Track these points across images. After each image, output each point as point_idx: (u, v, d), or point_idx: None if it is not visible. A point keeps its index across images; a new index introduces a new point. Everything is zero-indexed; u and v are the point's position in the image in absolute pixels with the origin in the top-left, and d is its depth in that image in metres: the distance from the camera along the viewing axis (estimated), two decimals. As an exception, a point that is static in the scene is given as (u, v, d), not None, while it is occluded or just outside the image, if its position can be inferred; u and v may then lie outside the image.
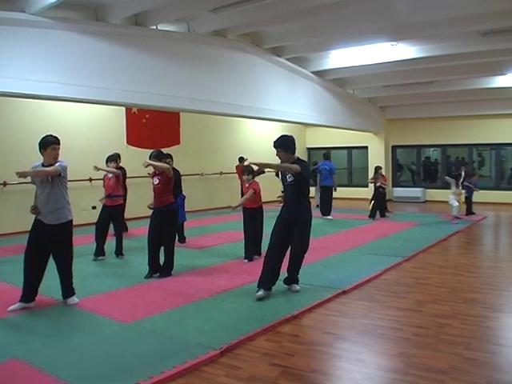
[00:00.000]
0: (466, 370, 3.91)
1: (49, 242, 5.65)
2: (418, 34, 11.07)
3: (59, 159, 5.64)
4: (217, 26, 10.46)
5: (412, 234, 10.95)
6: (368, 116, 18.99)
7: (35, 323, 5.20)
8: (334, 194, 14.30)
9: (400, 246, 9.36)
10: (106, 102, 9.47)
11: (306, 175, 6.21)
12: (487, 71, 14.32)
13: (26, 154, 10.58)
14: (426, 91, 16.58)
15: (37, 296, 5.71)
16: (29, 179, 5.82)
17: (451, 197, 13.02)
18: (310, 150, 22.04)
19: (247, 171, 8.23)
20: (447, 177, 14.16)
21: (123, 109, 13.33)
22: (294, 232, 6.09)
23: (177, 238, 8.47)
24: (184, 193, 9.66)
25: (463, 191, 13.50)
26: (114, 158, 8.75)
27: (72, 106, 11.70)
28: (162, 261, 7.26)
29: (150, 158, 7.11)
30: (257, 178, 8.06)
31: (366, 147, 20.41)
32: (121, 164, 9.28)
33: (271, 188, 14.82)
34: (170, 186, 7.24)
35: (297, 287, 6.25)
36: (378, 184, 13.89)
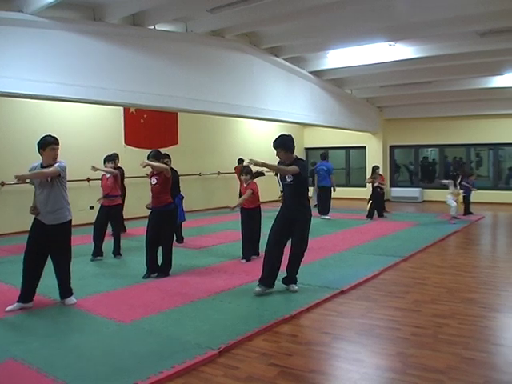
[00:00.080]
0: (464, 370, 3.91)
1: (48, 242, 5.64)
2: (416, 34, 11.08)
3: (58, 159, 5.64)
4: (215, 26, 10.45)
5: (410, 234, 10.96)
6: (366, 116, 19.00)
7: (33, 323, 5.19)
8: (333, 194, 14.31)
9: (398, 246, 9.36)
10: (103, 101, 9.46)
11: (305, 175, 6.27)
12: (485, 71, 14.33)
13: (25, 154, 10.59)
14: (424, 91, 16.60)
15: (35, 296, 5.71)
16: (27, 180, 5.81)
17: (449, 197, 13.04)
18: (307, 150, 22.04)
19: (245, 171, 8.24)
20: (442, 180, 14.18)
21: (121, 109, 13.34)
22: (293, 231, 6.13)
23: (175, 238, 8.46)
24: (182, 193, 9.66)
25: (461, 191, 13.52)
26: (112, 158, 8.74)
27: (70, 106, 11.70)
28: (160, 261, 7.26)
29: (148, 158, 7.10)
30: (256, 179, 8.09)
31: (364, 147, 20.41)
32: (119, 164, 9.27)
33: (269, 188, 14.84)
34: (167, 186, 7.24)
35: (295, 287, 6.25)
36: (375, 184, 13.89)
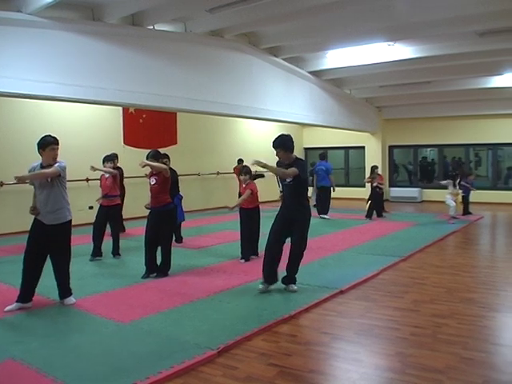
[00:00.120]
0: (463, 370, 3.91)
1: (48, 242, 5.64)
2: (415, 34, 11.09)
3: (58, 159, 5.64)
4: (214, 25, 10.45)
5: (409, 234, 10.96)
6: (365, 116, 19.00)
7: (32, 323, 5.19)
8: (332, 194, 14.32)
9: (397, 246, 9.37)
10: (102, 102, 9.46)
11: (305, 175, 6.29)
12: (484, 71, 14.34)
13: (24, 154, 10.59)
14: (423, 91, 16.60)
15: (34, 296, 5.70)
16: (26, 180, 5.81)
17: (448, 197, 13.05)
18: (307, 149, 22.04)
19: (245, 171, 8.24)
20: (441, 181, 14.18)
21: (120, 109, 13.33)
22: (293, 231, 6.17)
23: (174, 238, 8.46)
24: (181, 193, 9.66)
25: (460, 191, 13.53)
26: (111, 158, 8.73)
27: (69, 106, 11.69)
28: (159, 261, 7.25)
29: (147, 158, 7.10)
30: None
31: (363, 147, 20.41)
32: (118, 164, 9.26)
33: (268, 188, 14.83)
34: (166, 186, 7.24)
35: (294, 287, 6.25)
36: (374, 184, 13.89)
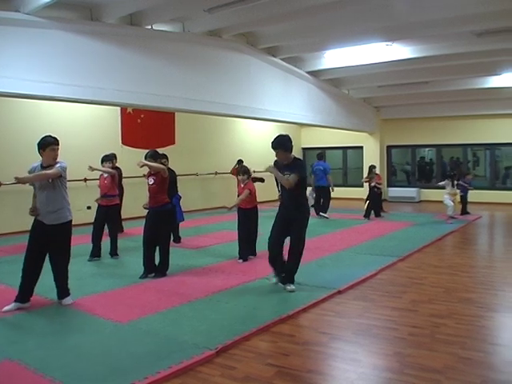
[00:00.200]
0: (461, 370, 3.92)
1: (48, 242, 5.64)
2: (413, 34, 11.09)
3: (58, 159, 5.64)
4: (212, 25, 10.45)
5: (407, 234, 10.97)
6: (363, 116, 19.01)
7: (30, 323, 5.18)
8: (331, 194, 14.33)
9: (395, 246, 9.37)
10: (100, 101, 9.45)
11: (304, 175, 6.32)
12: (482, 71, 14.35)
13: (22, 154, 10.58)
14: (421, 91, 16.61)
15: (32, 296, 5.70)
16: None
17: (446, 197, 13.06)
18: (305, 150, 22.03)
19: (243, 171, 8.24)
20: (439, 182, 14.18)
21: (118, 109, 13.31)
22: (291, 230, 6.22)
23: (172, 238, 8.46)
24: (180, 193, 9.65)
25: (458, 191, 13.54)
26: (109, 158, 8.73)
27: (67, 106, 11.67)
28: (157, 261, 7.25)
29: (145, 158, 7.11)
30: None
31: (361, 147, 20.42)
32: (116, 164, 9.26)
33: (266, 188, 14.80)
34: (165, 186, 7.23)
35: (292, 287, 6.25)
36: (372, 184, 13.89)
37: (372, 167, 14.33)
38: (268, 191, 14.78)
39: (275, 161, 6.35)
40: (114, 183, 8.60)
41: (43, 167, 5.58)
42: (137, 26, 9.52)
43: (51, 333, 4.90)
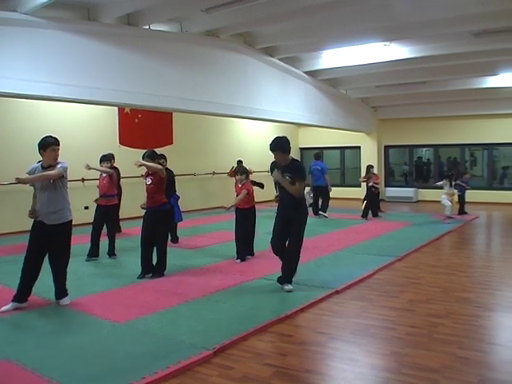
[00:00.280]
0: (459, 369, 3.92)
1: (49, 242, 5.63)
2: (410, 34, 11.09)
3: (58, 160, 5.64)
4: (209, 25, 10.44)
5: (404, 234, 10.98)
6: (360, 116, 19.02)
7: (28, 324, 5.18)
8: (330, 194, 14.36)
9: (393, 246, 9.38)
10: (98, 101, 9.44)
11: (304, 177, 6.38)
12: (479, 71, 14.36)
13: (19, 154, 10.60)
14: (419, 91, 16.61)
15: (29, 296, 5.69)
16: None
17: (444, 197, 13.08)
18: (302, 150, 22.03)
19: (241, 171, 8.24)
20: (437, 183, 14.20)
21: (116, 109, 13.29)
22: (290, 229, 6.24)
23: (169, 238, 8.45)
24: (178, 193, 9.65)
25: (455, 191, 13.56)
26: (107, 158, 8.74)
27: (65, 106, 11.66)
28: (155, 261, 7.24)
29: (143, 158, 7.10)
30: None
31: (359, 147, 20.42)
32: (114, 164, 9.26)
33: (265, 188, 14.79)
34: (162, 187, 7.23)
35: (290, 287, 6.25)
36: (370, 184, 13.90)
37: (369, 167, 14.33)
38: (265, 191, 14.77)
39: (273, 162, 6.37)
40: (112, 183, 8.60)
41: (44, 168, 5.57)
42: (134, 25, 9.51)
43: (49, 333, 4.89)
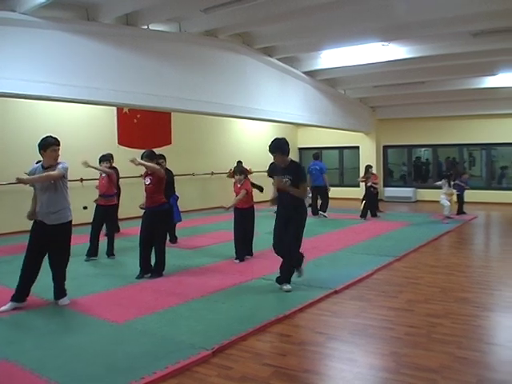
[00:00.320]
0: (457, 369, 3.93)
1: (49, 242, 5.63)
2: (409, 35, 11.10)
3: (59, 160, 5.63)
4: (208, 26, 10.45)
5: (403, 234, 10.99)
6: (359, 116, 19.03)
7: (27, 324, 5.18)
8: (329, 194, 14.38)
9: (391, 246, 9.38)
10: (96, 101, 9.43)
11: (305, 178, 6.46)
12: (478, 71, 14.37)
13: (18, 154, 10.58)
14: (417, 91, 16.62)
15: (28, 296, 5.69)
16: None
17: (443, 197, 13.08)
18: (301, 150, 22.04)
19: (239, 171, 8.24)
20: (437, 182, 14.21)
21: (114, 109, 13.29)
22: (289, 228, 6.23)
23: (168, 238, 8.45)
24: (177, 193, 9.65)
25: (454, 191, 13.57)
26: (106, 158, 8.74)
27: (63, 106, 11.65)
28: (153, 261, 7.24)
29: (142, 158, 7.10)
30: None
31: (358, 147, 20.43)
32: (113, 164, 9.26)
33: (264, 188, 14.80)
34: (161, 187, 7.23)
35: (288, 287, 6.26)
36: (369, 184, 13.90)
37: (368, 167, 14.34)
38: (264, 191, 14.77)
39: (272, 163, 6.38)
40: (111, 183, 8.60)
41: (44, 168, 5.57)
42: (133, 25, 9.51)
43: (48, 333, 4.89)
